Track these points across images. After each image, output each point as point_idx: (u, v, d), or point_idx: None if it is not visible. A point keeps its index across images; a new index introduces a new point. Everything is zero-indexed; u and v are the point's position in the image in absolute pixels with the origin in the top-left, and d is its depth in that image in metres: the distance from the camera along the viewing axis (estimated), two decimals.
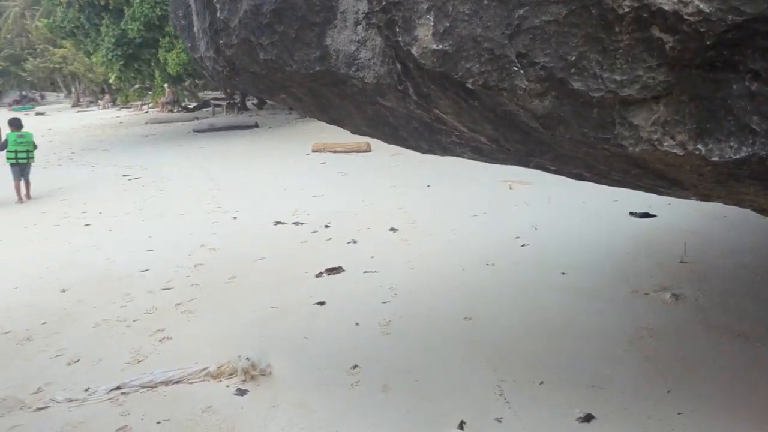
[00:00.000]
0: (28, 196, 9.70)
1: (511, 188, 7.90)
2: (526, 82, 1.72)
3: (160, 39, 15.87)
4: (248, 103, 25.44)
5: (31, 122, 30.27)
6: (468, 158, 3.09)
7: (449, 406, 3.13)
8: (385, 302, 4.55)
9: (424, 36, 1.88)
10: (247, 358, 3.63)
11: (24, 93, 56.30)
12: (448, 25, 1.80)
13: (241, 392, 3.44)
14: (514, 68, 1.72)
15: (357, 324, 4.21)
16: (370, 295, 4.70)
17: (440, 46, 1.86)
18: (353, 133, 3.33)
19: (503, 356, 3.61)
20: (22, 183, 9.64)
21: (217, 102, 25.65)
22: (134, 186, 10.28)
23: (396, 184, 8.70)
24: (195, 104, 29.82)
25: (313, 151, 12.26)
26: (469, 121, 2.26)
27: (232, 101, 24.45)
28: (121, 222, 7.68)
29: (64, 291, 5.23)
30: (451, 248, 5.73)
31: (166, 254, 6.12)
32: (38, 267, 5.99)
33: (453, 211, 7.03)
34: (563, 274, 4.84)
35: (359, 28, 2.28)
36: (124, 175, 11.34)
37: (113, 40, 15.93)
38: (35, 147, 9.94)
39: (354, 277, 5.13)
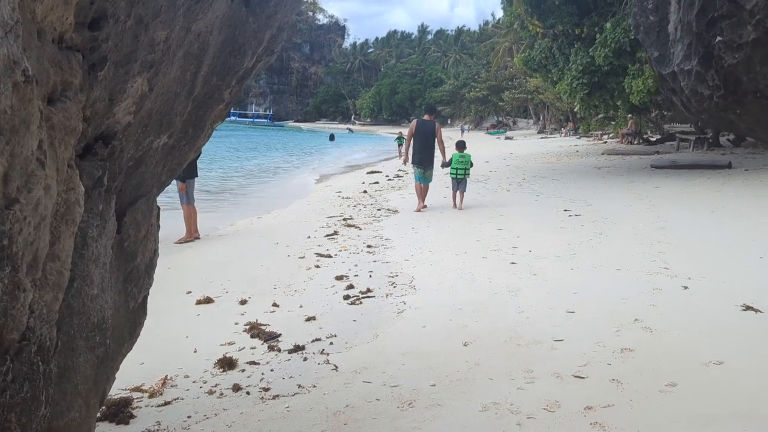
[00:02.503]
0: (460, 206, 11.52)
1: None
2: None
3: (629, 66, 14.68)
4: (722, 139, 22.02)
5: (498, 145, 33.34)
6: None
7: None
8: None
9: None
10: None
11: (500, 119, 63.20)
12: None
13: None
14: None
15: None
16: None
17: None
18: None
19: None
20: (457, 194, 11.65)
21: (684, 136, 23.02)
22: (573, 224, 9.38)
23: None
24: (658, 137, 27.77)
25: None
26: None
27: (702, 135, 21.50)
28: (547, 266, 6.81)
29: (465, 345, 4.62)
30: None
31: (589, 322, 4.94)
32: (453, 305, 5.60)
33: None
34: None
35: None
36: (565, 210, 10.59)
37: (580, 68, 15.50)
38: (471, 165, 11.91)
39: None
